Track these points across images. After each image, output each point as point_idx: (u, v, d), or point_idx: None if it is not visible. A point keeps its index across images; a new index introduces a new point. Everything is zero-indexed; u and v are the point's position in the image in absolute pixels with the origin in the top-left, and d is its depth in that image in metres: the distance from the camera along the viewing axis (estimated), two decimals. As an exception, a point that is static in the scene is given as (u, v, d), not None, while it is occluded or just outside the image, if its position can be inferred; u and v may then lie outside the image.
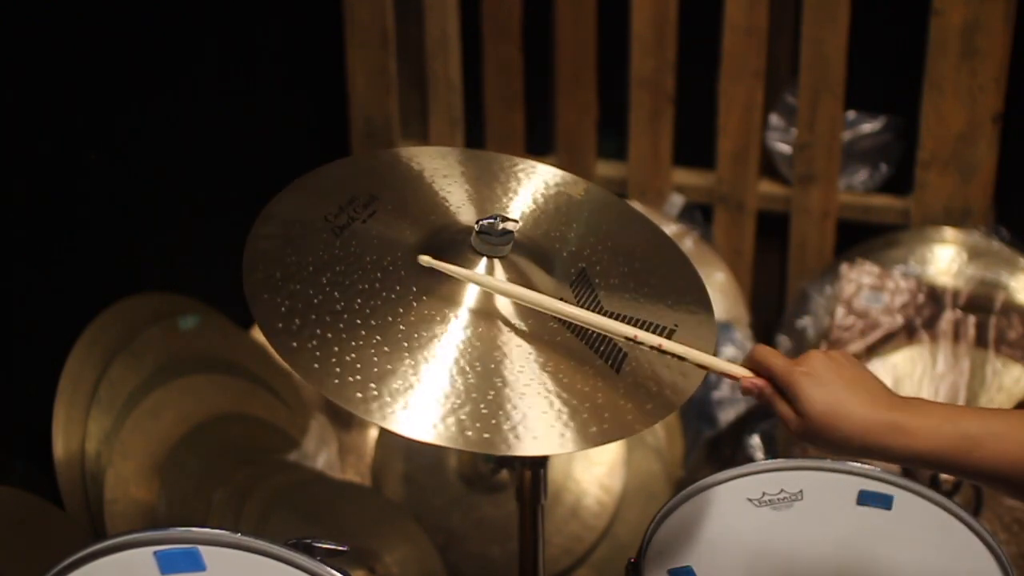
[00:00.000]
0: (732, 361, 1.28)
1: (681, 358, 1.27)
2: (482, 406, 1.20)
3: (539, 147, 2.81)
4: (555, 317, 1.30)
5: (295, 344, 1.21)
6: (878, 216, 2.62)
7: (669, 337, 1.32)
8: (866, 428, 1.16)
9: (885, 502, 1.46)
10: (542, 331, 1.29)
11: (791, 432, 1.20)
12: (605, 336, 1.30)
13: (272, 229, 1.33)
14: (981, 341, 2.31)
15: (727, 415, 2.48)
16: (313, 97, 2.87)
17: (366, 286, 1.28)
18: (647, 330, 1.30)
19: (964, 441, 1.15)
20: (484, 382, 1.22)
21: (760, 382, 1.23)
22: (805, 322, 2.53)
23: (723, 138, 2.65)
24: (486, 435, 1.18)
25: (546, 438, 1.19)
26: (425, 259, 1.31)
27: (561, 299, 1.31)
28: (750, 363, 1.25)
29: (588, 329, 1.30)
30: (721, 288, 2.62)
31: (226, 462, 2.17)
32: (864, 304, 2.40)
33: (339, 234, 1.34)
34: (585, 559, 2.27)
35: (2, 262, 2.00)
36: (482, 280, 1.31)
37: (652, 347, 1.27)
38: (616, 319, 1.32)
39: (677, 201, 2.70)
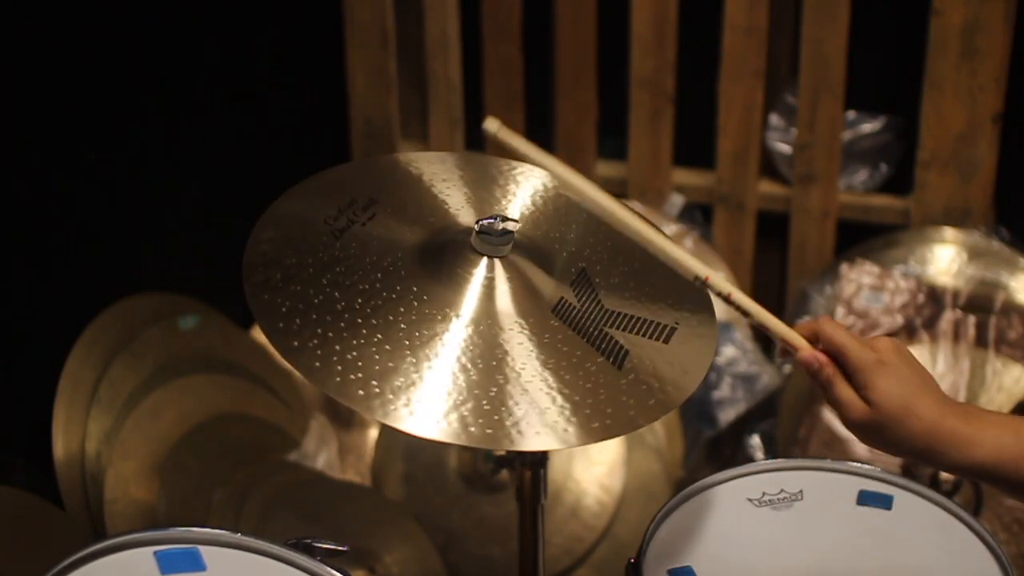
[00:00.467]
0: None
1: (746, 312, 1.18)
2: (484, 403, 1.20)
3: (539, 147, 2.81)
4: (553, 311, 1.30)
5: (296, 343, 1.21)
6: (878, 216, 2.62)
7: (670, 336, 1.32)
8: (932, 431, 1.12)
9: (885, 502, 1.46)
10: (543, 329, 1.29)
11: (847, 419, 1.14)
12: (606, 334, 1.30)
13: (272, 233, 1.34)
14: (981, 341, 2.31)
15: (727, 415, 2.48)
16: (313, 97, 2.87)
17: (366, 286, 1.29)
18: (648, 329, 1.30)
19: None
20: (486, 379, 1.22)
21: (823, 358, 1.15)
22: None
23: (723, 138, 2.65)
24: (488, 431, 1.18)
25: (548, 434, 1.19)
26: (492, 125, 1.24)
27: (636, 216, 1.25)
28: (812, 335, 1.17)
29: (588, 326, 1.30)
30: (721, 288, 2.62)
31: (226, 462, 2.17)
32: (864, 304, 2.40)
33: (339, 236, 1.34)
34: (585, 559, 2.27)
35: (2, 262, 2.00)
36: (550, 164, 1.25)
37: (720, 293, 1.19)
38: (617, 318, 1.32)
39: (677, 201, 2.70)
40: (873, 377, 1.13)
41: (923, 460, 1.14)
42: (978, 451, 1.12)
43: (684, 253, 1.21)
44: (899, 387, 1.12)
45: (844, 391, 1.14)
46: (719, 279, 1.20)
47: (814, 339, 1.18)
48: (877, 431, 1.13)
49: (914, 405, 1.12)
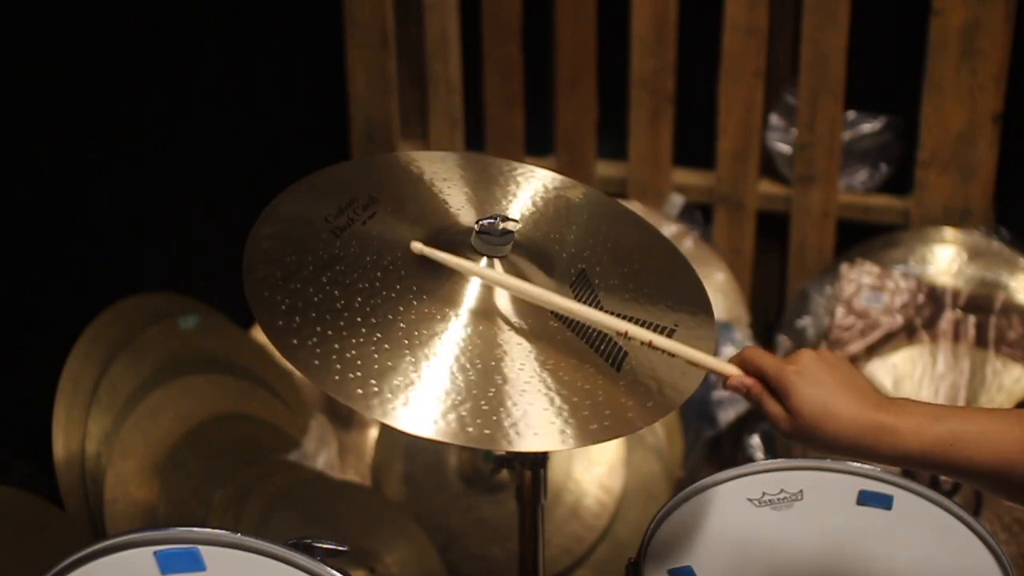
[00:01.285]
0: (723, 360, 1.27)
1: (671, 355, 1.26)
2: (483, 403, 1.20)
3: (539, 147, 2.81)
4: (552, 313, 1.31)
5: (295, 341, 1.21)
6: (878, 216, 2.62)
7: (669, 337, 1.32)
8: (855, 428, 1.16)
9: (885, 502, 1.46)
10: (542, 329, 1.29)
11: (780, 430, 1.20)
12: (605, 334, 1.30)
13: (272, 230, 1.33)
14: (981, 341, 2.31)
15: (727, 415, 2.48)
16: (313, 97, 2.87)
17: (366, 285, 1.28)
18: (647, 329, 1.30)
19: (947, 439, 1.15)
20: (484, 379, 1.22)
21: (748, 380, 1.23)
22: (805, 322, 2.53)
23: (723, 138, 2.65)
24: (487, 431, 1.18)
25: (547, 435, 1.19)
26: (417, 246, 1.31)
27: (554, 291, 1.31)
28: (740, 362, 1.25)
29: (588, 327, 1.30)
30: (721, 288, 2.62)
31: (226, 462, 2.17)
32: (864, 304, 2.40)
33: (339, 235, 1.34)
34: (585, 559, 2.27)
35: (2, 262, 2.00)
36: (472, 269, 1.31)
37: (642, 343, 1.26)
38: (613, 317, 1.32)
39: (677, 201, 2.70)
40: (789, 387, 1.19)
41: (856, 455, 1.18)
42: (901, 440, 1.16)
43: (598, 314, 1.29)
44: (813, 390, 1.18)
45: (771, 406, 1.21)
46: (638, 329, 1.27)
47: (744, 367, 1.25)
48: (804, 435, 1.18)
49: (830, 405, 1.17)
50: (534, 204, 1.48)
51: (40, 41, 2.01)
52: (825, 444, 1.18)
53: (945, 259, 2.50)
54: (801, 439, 1.19)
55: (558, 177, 1.54)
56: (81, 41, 2.10)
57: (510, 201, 1.47)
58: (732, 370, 1.24)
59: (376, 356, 1.21)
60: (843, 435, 1.16)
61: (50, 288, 2.09)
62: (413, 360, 1.22)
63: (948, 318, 2.34)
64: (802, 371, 1.19)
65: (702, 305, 1.42)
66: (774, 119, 2.66)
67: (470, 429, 1.18)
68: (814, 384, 1.18)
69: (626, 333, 1.26)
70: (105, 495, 2.01)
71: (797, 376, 1.19)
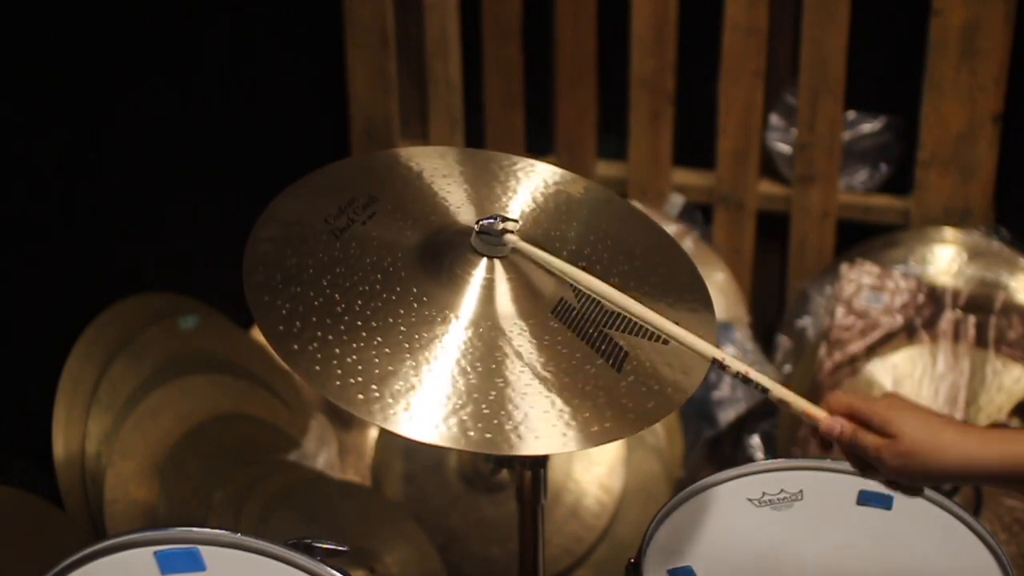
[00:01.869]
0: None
1: (765, 389, 1.25)
2: (484, 406, 1.20)
3: (539, 147, 2.81)
4: (553, 313, 1.30)
5: (296, 346, 1.21)
6: (878, 216, 2.62)
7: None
8: (961, 452, 1.18)
9: (885, 502, 1.46)
10: (543, 331, 1.29)
11: (880, 459, 1.20)
12: (606, 335, 1.30)
13: (272, 232, 1.33)
14: (981, 341, 2.31)
15: (727, 415, 2.48)
16: (313, 97, 2.87)
17: (366, 288, 1.28)
18: (647, 330, 1.30)
19: None
20: (485, 382, 1.22)
21: (841, 419, 1.23)
22: (805, 322, 2.53)
23: (723, 138, 2.65)
24: (488, 435, 1.18)
25: (548, 437, 1.19)
26: (511, 238, 1.31)
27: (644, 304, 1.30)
28: (826, 407, 1.26)
29: (587, 327, 1.30)
30: (721, 288, 2.62)
31: (226, 462, 2.17)
32: (864, 304, 2.40)
33: (339, 236, 1.34)
34: (585, 559, 2.27)
35: (2, 262, 2.00)
36: (570, 272, 1.31)
37: (736, 373, 1.26)
38: (617, 319, 1.32)
39: (677, 201, 2.70)
40: (889, 413, 1.20)
41: (964, 480, 1.25)
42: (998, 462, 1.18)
43: (696, 340, 1.28)
44: (915, 419, 1.20)
45: (868, 437, 1.21)
46: (734, 361, 1.27)
47: (829, 410, 1.26)
48: (911, 457, 1.19)
49: (937, 435, 1.19)
50: (534, 200, 1.48)
51: (40, 41, 2.01)
52: (932, 469, 1.19)
53: (945, 259, 2.50)
54: (908, 464, 1.19)
55: (559, 172, 1.53)
56: (81, 41, 2.10)
57: (510, 197, 1.47)
58: (821, 413, 1.25)
59: (377, 360, 1.21)
60: (953, 461, 1.18)
61: (50, 288, 2.09)
62: (414, 364, 1.22)
63: (948, 318, 2.34)
64: (892, 404, 1.22)
65: (703, 302, 1.42)
66: (774, 119, 2.66)
67: (471, 433, 1.17)
68: (914, 415, 1.20)
69: (723, 361, 1.26)
70: (105, 495, 2.01)
71: (893, 409, 1.21)
